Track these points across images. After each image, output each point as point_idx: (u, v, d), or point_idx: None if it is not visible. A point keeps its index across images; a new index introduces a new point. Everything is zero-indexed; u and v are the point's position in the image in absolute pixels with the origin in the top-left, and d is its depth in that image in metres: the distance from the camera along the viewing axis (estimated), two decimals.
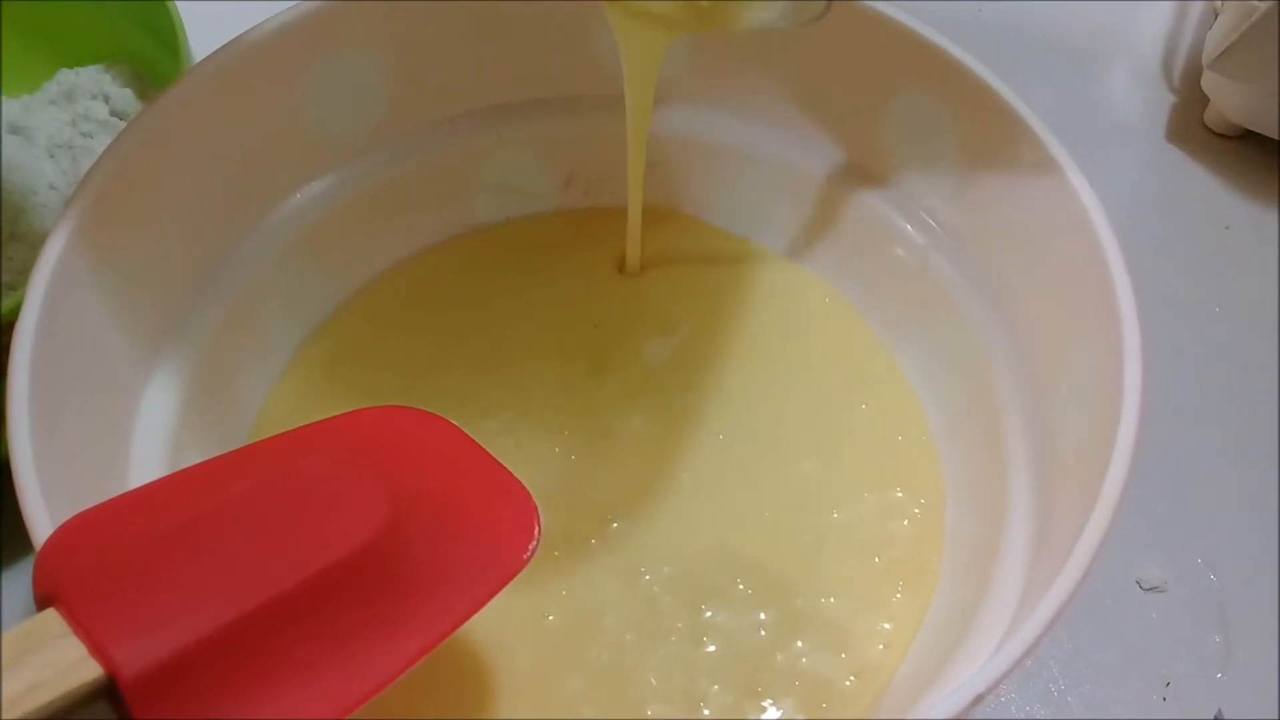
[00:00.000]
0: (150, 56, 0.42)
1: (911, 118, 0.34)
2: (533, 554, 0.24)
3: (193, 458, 0.32)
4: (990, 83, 0.31)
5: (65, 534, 0.22)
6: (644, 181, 0.36)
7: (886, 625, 0.30)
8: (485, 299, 0.38)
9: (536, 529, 0.25)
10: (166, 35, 0.39)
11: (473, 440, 0.27)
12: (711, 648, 0.30)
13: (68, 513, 0.25)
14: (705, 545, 0.31)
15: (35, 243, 0.39)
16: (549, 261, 0.39)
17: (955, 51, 0.32)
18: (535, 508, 0.25)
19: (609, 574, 0.31)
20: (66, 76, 0.42)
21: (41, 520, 0.24)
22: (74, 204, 0.28)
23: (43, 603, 0.21)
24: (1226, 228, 0.44)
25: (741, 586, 0.31)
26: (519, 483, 0.26)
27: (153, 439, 0.31)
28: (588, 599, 0.30)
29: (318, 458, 0.24)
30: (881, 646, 0.30)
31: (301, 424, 0.35)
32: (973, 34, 0.33)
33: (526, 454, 0.33)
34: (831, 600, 0.31)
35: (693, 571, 0.31)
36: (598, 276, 0.38)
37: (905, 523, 0.32)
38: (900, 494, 0.33)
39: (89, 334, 0.29)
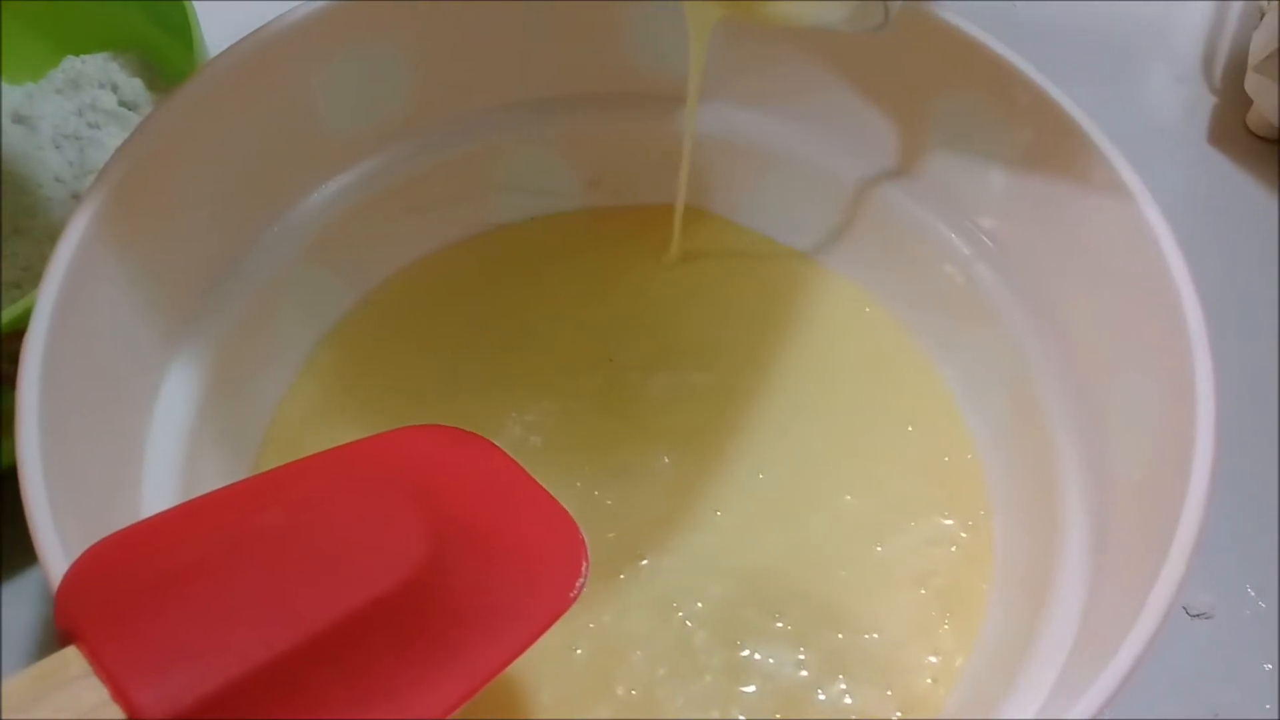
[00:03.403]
0: (159, 46, 0.40)
1: (958, 121, 0.32)
2: (580, 591, 0.23)
3: (207, 464, 0.30)
4: (1045, 87, 0.30)
5: (87, 563, 0.21)
6: (672, 177, 0.35)
7: (934, 658, 0.29)
8: (505, 301, 0.36)
9: (584, 564, 0.23)
10: (178, 24, 0.38)
11: (515, 462, 0.25)
12: (750, 687, 0.28)
13: (77, 527, 0.24)
14: (740, 580, 0.30)
15: (39, 238, 0.37)
16: (573, 260, 0.37)
17: (1006, 54, 0.31)
18: (583, 540, 0.24)
19: (639, 608, 0.30)
20: (72, 64, 0.40)
21: (49, 535, 0.23)
22: (88, 202, 0.27)
23: (63, 637, 0.20)
24: (1271, 234, 0.43)
25: (780, 623, 0.29)
26: (564, 511, 0.24)
27: (166, 446, 0.30)
28: (617, 633, 0.29)
29: (352, 484, 0.23)
30: (929, 680, 0.29)
31: (316, 428, 0.34)
32: (1005, 31, 0.32)
33: (546, 481, 0.32)
34: (875, 635, 0.29)
35: (728, 607, 0.30)
36: (622, 280, 0.37)
37: (952, 549, 0.31)
38: (946, 519, 0.32)
39: (102, 336, 0.28)
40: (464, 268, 0.37)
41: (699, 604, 0.30)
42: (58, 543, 0.23)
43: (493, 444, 0.26)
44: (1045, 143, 0.30)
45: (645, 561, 0.30)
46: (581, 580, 0.23)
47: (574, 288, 0.36)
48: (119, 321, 0.28)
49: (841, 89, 0.33)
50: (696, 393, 0.34)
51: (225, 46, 0.37)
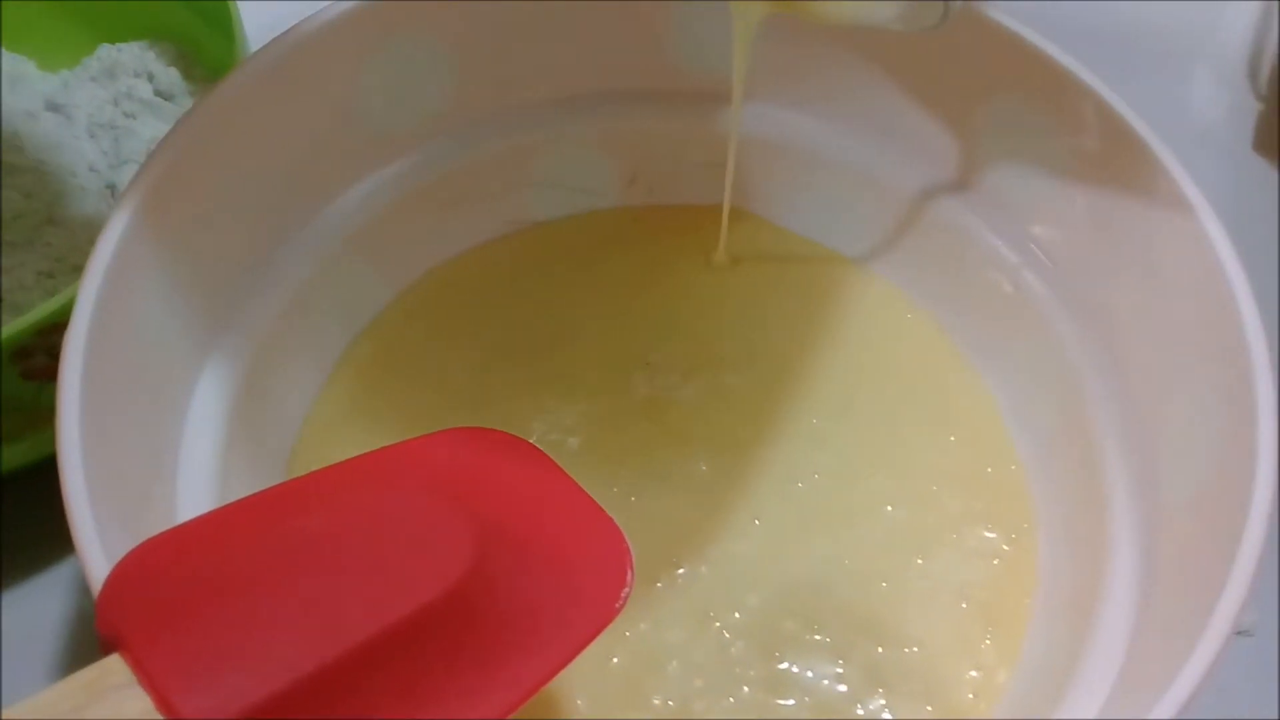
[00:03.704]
0: (196, 35, 0.40)
1: (1009, 126, 0.31)
2: (625, 602, 0.23)
3: (241, 462, 0.30)
4: (1102, 93, 0.29)
5: (128, 568, 0.20)
6: (712, 177, 0.35)
7: (975, 673, 0.29)
8: (541, 300, 0.36)
9: (629, 573, 0.23)
10: (217, 14, 0.37)
11: (559, 467, 0.25)
12: (788, 700, 0.28)
13: (115, 527, 0.24)
14: (779, 590, 0.30)
15: (75, 228, 0.37)
16: (610, 260, 0.37)
17: (1062, 58, 0.30)
18: (628, 548, 0.23)
19: (677, 617, 0.29)
20: (108, 52, 0.40)
21: (90, 537, 0.23)
22: (128, 197, 0.27)
23: (105, 645, 0.19)
24: None
25: (819, 635, 0.29)
26: (609, 519, 0.24)
27: (201, 443, 0.29)
28: (654, 642, 0.29)
29: (395, 489, 0.22)
30: (971, 695, 0.28)
31: (349, 426, 0.34)
32: (1044, 30, 0.31)
33: (583, 485, 0.31)
34: (915, 648, 0.29)
35: (766, 618, 0.29)
36: (660, 282, 0.36)
37: (995, 562, 0.30)
38: (988, 532, 0.31)
39: (140, 333, 0.27)
40: (499, 265, 0.37)
41: (737, 614, 0.29)
42: (98, 544, 0.22)
43: (536, 448, 0.25)
44: (1101, 150, 0.29)
45: (683, 570, 0.30)
46: (627, 590, 0.23)
47: (611, 288, 0.36)
48: (157, 318, 0.28)
49: (889, 92, 0.33)
50: (735, 398, 0.33)
51: (264, 36, 0.37)
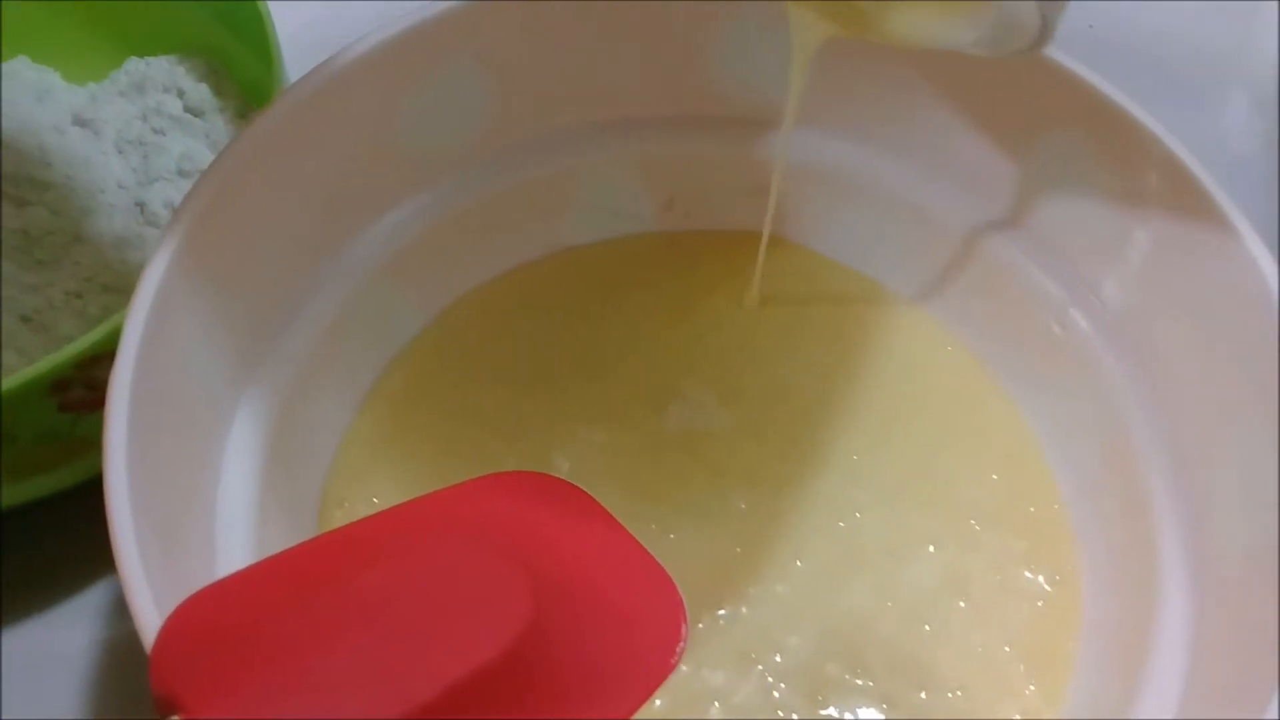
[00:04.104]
0: (227, 50, 0.39)
1: (1062, 163, 0.31)
2: (680, 657, 0.22)
3: (276, 496, 0.30)
4: (1157, 133, 0.29)
5: (180, 624, 0.20)
6: (749, 203, 0.34)
7: (1019, 718, 0.28)
8: (575, 327, 0.35)
9: (684, 627, 0.22)
10: (249, 28, 0.37)
11: (610, 514, 0.24)
12: None
13: (159, 568, 0.24)
14: (821, 632, 0.29)
15: (103, 246, 0.36)
16: (645, 287, 0.36)
17: (1119, 98, 0.29)
18: (682, 601, 0.23)
19: (718, 659, 0.29)
20: (136, 66, 0.40)
21: (139, 581, 0.22)
22: (172, 230, 0.26)
23: (163, 706, 0.19)
24: None
25: (861, 680, 0.29)
26: (662, 569, 0.23)
27: (239, 478, 0.29)
28: (696, 685, 0.28)
29: (448, 540, 0.22)
30: None
31: (383, 456, 0.33)
32: (1081, 53, 0.31)
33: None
34: (959, 692, 0.29)
35: (809, 661, 0.29)
36: (695, 308, 0.36)
37: (1039, 604, 0.30)
38: (1032, 573, 0.31)
39: (183, 367, 0.27)
40: (533, 290, 0.36)
41: (778, 657, 0.29)
42: (149, 594, 0.22)
43: (586, 494, 0.25)
44: (1157, 191, 0.29)
45: (724, 611, 0.29)
46: (682, 645, 0.22)
47: (646, 315, 0.35)
48: (198, 351, 0.27)
49: (940, 122, 0.32)
50: (772, 431, 0.33)
51: (295, 42, 0.36)
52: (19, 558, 0.34)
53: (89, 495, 0.32)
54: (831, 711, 0.28)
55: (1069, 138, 0.31)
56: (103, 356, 0.27)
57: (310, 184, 0.30)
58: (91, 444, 0.30)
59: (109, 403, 0.24)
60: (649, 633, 0.22)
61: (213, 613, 0.20)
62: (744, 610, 0.30)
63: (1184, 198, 0.28)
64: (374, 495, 0.32)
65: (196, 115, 0.38)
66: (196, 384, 0.27)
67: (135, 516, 0.23)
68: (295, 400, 0.31)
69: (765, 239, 0.34)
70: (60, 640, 0.33)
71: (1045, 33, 0.23)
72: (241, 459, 0.29)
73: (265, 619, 0.20)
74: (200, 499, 0.28)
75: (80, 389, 0.28)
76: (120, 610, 0.34)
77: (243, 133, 0.28)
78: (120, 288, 0.35)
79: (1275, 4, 0.50)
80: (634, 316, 0.36)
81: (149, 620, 0.22)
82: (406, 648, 0.20)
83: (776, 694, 0.28)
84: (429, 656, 0.20)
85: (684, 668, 0.28)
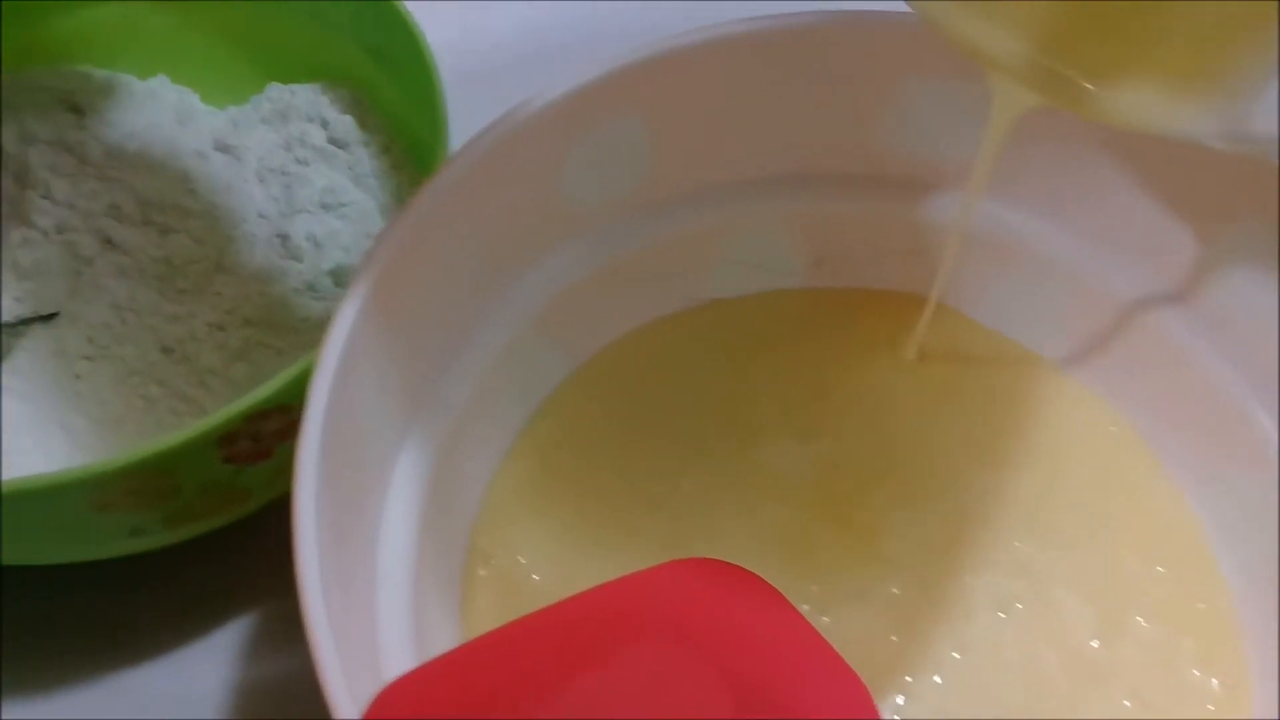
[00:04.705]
0: (370, 80, 0.39)
1: (1252, 251, 0.30)
2: None
3: (431, 550, 0.29)
4: None
5: (388, 712, 0.19)
6: (903, 263, 0.33)
7: None
8: (719, 383, 0.34)
9: None
10: (398, 60, 0.36)
11: (795, 610, 0.24)
12: None
13: (334, 626, 0.23)
14: None
15: (245, 278, 0.36)
16: (792, 344, 0.35)
17: None
18: (874, 705, 0.22)
19: None
20: (279, 93, 0.39)
21: (330, 650, 0.22)
22: (355, 290, 0.26)
23: None
24: None
25: None
26: (855, 675, 0.23)
27: (398, 534, 0.28)
28: None
29: (653, 642, 0.21)
30: None
31: (528, 509, 0.33)
32: None
33: None
34: None
35: None
36: (846, 368, 0.35)
37: (1210, 707, 0.29)
38: (1200, 674, 0.29)
39: (356, 424, 0.26)
40: (677, 343, 0.35)
41: None
42: (337, 660, 0.22)
43: (773, 588, 0.24)
44: None
45: (880, 702, 0.29)
46: None
47: (794, 376, 0.34)
48: (370, 408, 0.27)
49: (1124, 197, 0.31)
50: (927, 509, 0.32)
51: (448, 55, 0.36)
52: (153, 597, 0.33)
53: (224, 535, 0.32)
54: None
55: (1260, 226, 0.29)
56: (270, 411, 0.27)
57: (475, 238, 0.30)
58: (249, 493, 0.29)
59: (298, 464, 0.23)
60: None
61: (417, 704, 0.20)
62: (900, 700, 0.29)
63: None
64: (519, 554, 0.31)
65: (340, 147, 0.38)
66: (366, 439, 0.27)
67: (324, 585, 0.22)
68: (448, 451, 0.30)
69: (932, 303, 0.33)
70: (191, 681, 0.33)
71: None
72: (401, 513, 0.29)
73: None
74: (364, 558, 0.27)
75: (246, 441, 0.27)
76: (250, 653, 0.34)
77: (424, 188, 0.27)
78: (262, 321, 0.35)
79: None
80: (782, 376, 0.34)
81: (340, 701, 0.21)
82: None
83: None
84: None
85: None
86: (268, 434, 0.27)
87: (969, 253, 0.34)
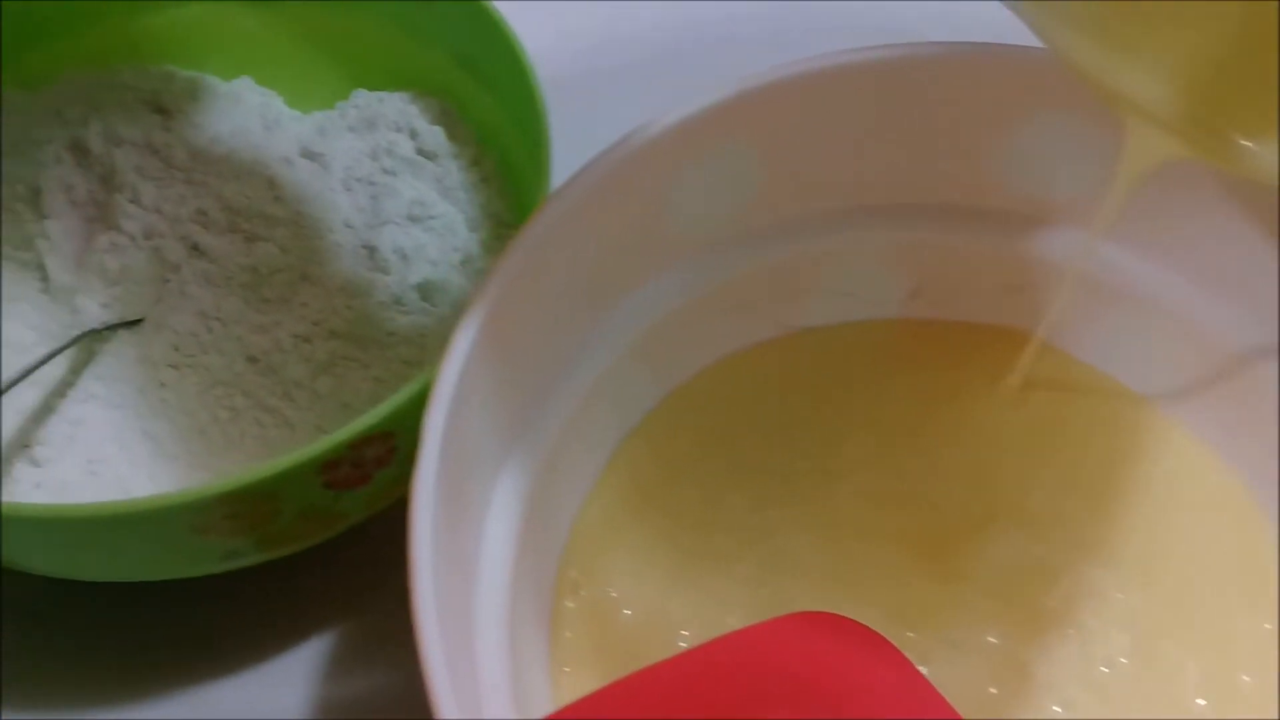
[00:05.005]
0: (460, 90, 0.38)
1: None
2: None
3: (526, 573, 0.29)
4: None
5: None
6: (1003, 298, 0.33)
7: None
8: (811, 411, 0.34)
9: None
10: (491, 74, 0.36)
11: (917, 671, 0.23)
12: None
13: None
14: None
15: (331, 289, 0.35)
16: (886, 376, 0.34)
17: None
18: None
19: None
20: (366, 100, 0.39)
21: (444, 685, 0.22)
22: (469, 320, 0.25)
23: None
24: None
25: None
26: None
27: (495, 557, 0.28)
28: None
29: (772, 695, 0.20)
30: None
31: (619, 534, 0.32)
32: None
33: None
34: None
35: None
36: (942, 402, 0.34)
37: None
38: None
39: (463, 447, 0.26)
40: (769, 370, 0.34)
41: None
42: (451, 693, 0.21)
43: (893, 647, 0.23)
44: None
45: None
46: None
47: (888, 409, 0.34)
48: (476, 434, 0.26)
49: (1244, 247, 0.30)
50: (1026, 555, 0.31)
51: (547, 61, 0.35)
52: (235, 612, 0.33)
53: (309, 553, 0.32)
54: None
55: None
56: (372, 438, 0.27)
57: (581, 265, 0.29)
58: (343, 517, 0.29)
59: (415, 496, 0.23)
60: None
61: None
62: None
63: None
64: (610, 587, 0.30)
65: (429, 158, 0.37)
66: (472, 464, 0.27)
67: (440, 617, 0.22)
68: (544, 477, 0.30)
69: (1037, 340, 0.32)
70: (271, 697, 0.33)
71: None
72: (499, 537, 0.28)
73: None
74: (465, 583, 0.27)
75: (348, 468, 0.27)
76: (329, 671, 0.33)
77: (534, 218, 0.27)
78: (348, 334, 0.35)
79: None
80: (875, 405, 0.34)
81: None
82: None
83: None
84: None
85: None
86: (368, 460, 0.27)
87: (1077, 291, 0.33)
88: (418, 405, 0.27)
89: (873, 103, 0.31)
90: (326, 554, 0.33)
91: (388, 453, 0.27)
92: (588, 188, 0.27)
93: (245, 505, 0.26)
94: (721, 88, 0.28)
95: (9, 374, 0.34)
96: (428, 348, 0.35)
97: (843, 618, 0.24)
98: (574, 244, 0.28)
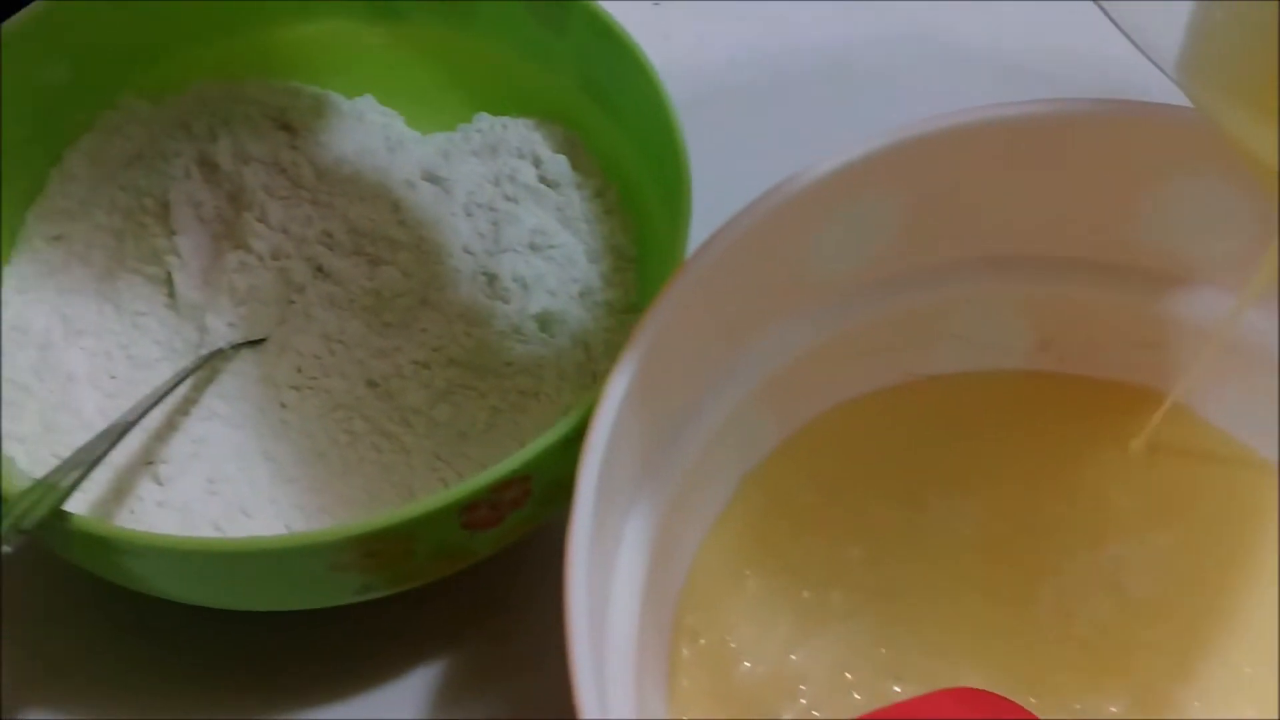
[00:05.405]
0: (585, 119, 0.38)
1: None
2: None
3: (650, 617, 0.29)
4: None
5: None
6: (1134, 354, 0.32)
7: None
8: (933, 460, 0.33)
9: None
10: (626, 105, 0.35)
11: None
12: None
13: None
14: None
15: (451, 315, 0.35)
16: (1013, 427, 0.34)
17: None
18: None
19: None
20: (491, 126, 0.39)
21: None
22: (625, 363, 0.26)
23: None
24: None
25: None
26: None
27: (624, 598, 0.28)
28: None
29: None
30: None
31: (734, 578, 0.32)
32: None
33: None
34: None
35: None
36: (1070, 459, 0.33)
37: None
38: None
39: (608, 490, 0.26)
40: (890, 417, 0.34)
41: None
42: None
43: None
44: None
45: None
46: None
47: (1013, 465, 0.33)
48: (614, 477, 0.26)
49: None
50: (1154, 626, 0.30)
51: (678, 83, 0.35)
52: (348, 638, 0.33)
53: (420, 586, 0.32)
54: None
55: None
56: (512, 481, 0.27)
57: (720, 312, 0.29)
58: (473, 555, 0.29)
59: (570, 545, 0.23)
60: None
61: None
62: None
63: None
64: (729, 637, 0.30)
65: (551, 187, 0.37)
66: (609, 510, 0.26)
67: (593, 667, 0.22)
68: (668, 519, 0.30)
69: (1169, 401, 0.32)
70: None
71: None
72: (627, 577, 0.28)
73: None
74: (598, 628, 0.27)
75: (485, 509, 0.27)
76: (440, 697, 0.33)
77: (686, 266, 0.27)
78: (466, 363, 0.35)
79: None
80: (999, 463, 0.33)
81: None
82: None
83: None
84: None
85: None
86: (505, 502, 0.27)
87: (1205, 349, 0.33)
88: (557, 450, 0.27)
89: (1020, 156, 0.30)
90: (435, 587, 0.33)
91: (523, 495, 0.27)
92: (736, 238, 0.27)
93: (384, 544, 0.26)
94: (872, 139, 0.28)
95: (130, 387, 0.34)
96: (544, 379, 0.35)
97: (987, 693, 0.23)
98: (718, 294, 0.28)
